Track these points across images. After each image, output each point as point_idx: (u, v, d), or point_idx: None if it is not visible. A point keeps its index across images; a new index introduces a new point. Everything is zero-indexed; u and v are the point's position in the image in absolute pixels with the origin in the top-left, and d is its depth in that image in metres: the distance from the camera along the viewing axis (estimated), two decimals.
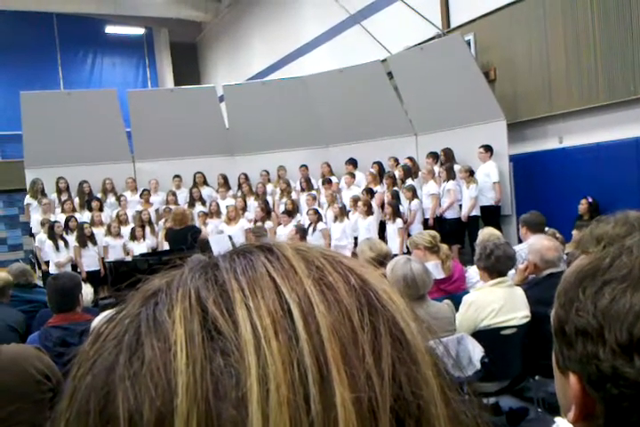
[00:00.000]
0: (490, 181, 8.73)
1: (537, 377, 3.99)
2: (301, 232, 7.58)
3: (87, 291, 4.33)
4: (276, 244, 0.40)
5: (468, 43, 9.48)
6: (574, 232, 6.11)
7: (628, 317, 0.57)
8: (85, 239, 9.25)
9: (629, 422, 0.57)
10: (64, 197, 10.14)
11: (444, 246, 4.79)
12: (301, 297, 0.35)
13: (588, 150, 8.28)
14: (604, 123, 8.03)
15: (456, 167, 9.03)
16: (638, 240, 0.61)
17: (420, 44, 10.29)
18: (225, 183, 10.69)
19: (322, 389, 0.32)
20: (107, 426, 0.32)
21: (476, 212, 8.79)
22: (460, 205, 8.92)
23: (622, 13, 7.58)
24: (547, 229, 5.28)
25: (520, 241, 5.55)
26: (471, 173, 8.75)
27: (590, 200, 7.80)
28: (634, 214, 0.67)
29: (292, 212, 9.60)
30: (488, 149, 8.76)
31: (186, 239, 7.67)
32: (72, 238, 9.26)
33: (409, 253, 5.27)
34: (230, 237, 7.68)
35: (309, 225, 9.17)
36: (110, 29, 18.48)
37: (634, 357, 0.56)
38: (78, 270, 8.87)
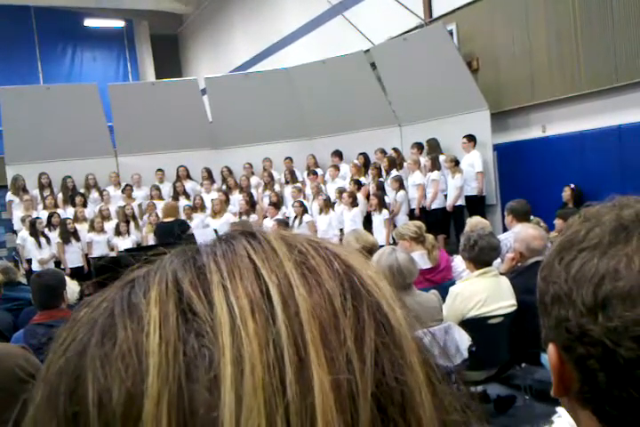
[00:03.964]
0: (474, 170, 8.76)
1: (523, 365, 4.03)
2: (284, 225, 7.57)
3: (73, 288, 4.29)
4: (259, 230, 0.39)
5: (451, 32, 9.49)
6: (557, 221, 6.16)
7: (593, 279, 0.60)
8: (69, 235, 9.17)
9: (598, 382, 0.59)
10: (46, 193, 10.04)
11: (430, 236, 4.81)
12: (281, 279, 0.34)
13: (571, 139, 8.33)
14: (586, 111, 8.08)
15: (441, 157, 9.06)
16: (614, 215, 0.64)
17: (402, 34, 10.27)
18: (209, 177, 10.64)
19: (299, 371, 0.31)
20: (76, 408, 0.31)
21: (461, 201, 8.83)
22: (446, 195, 8.96)
23: (603, 1, 7.61)
24: (531, 217, 5.31)
25: (505, 230, 5.58)
26: (456, 162, 8.79)
27: (573, 187, 7.86)
28: (621, 198, 0.70)
29: (277, 204, 9.58)
30: (471, 138, 8.79)
31: (173, 232, 7.62)
32: (55, 235, 9.18)
33: (395, 243, 5.28)
34: (216, 231, 7.65)
35: (295, 217, 9.16)
36: (90, 22, 18.20)
37: (598, 315, 0.59)
38: (62, 267, 8.80)
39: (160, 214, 9.41)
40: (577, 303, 0.60)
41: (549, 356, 0.65)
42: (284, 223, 8.13)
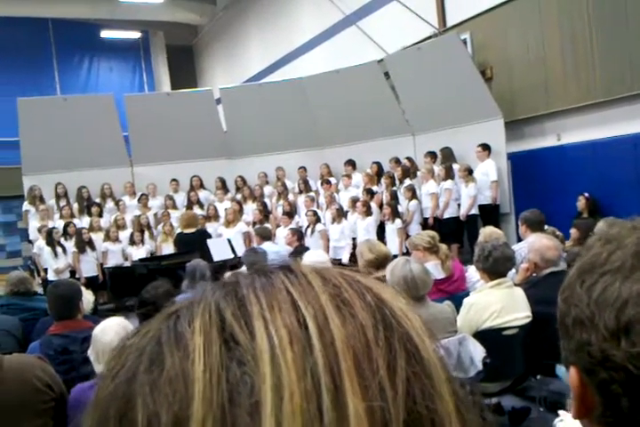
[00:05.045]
0: (488, 179, 8.72)
1: (538, 376, 3.99)
2: (298, 234, 7.56)
3: (88, 298, 4.32)
4: (295, 264, 0.42)
5: (465, 42, 9.48)
6: (572, 230, 6.12)
7: (615, 304, 0.60)
8: (84, 245, 9.23)
9: (621, 406, 0.59)
10: (62, 203, 10.14)
11: (444, 246, 4.78)
12: (317, 311, 0.36)
13: (586, 147, 8.28)
14: (601, 120, 8.02)
15: (455, 166, 9.03)
16: (636, 238, 0.64)
17: (416, 43, 10.28)
18: (223, 186, 10.68)
19: (335, 398, 0.32)
20: None
21: (475, 211, 8.79)
22: (459, 204, 8.92)
23: (618, 9, 7.58)
24: (546, 227, 5.28)
25: (519, 239, 5.54)
26: (470, 171, 8.75)
27: (587, 196, 7.80)
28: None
29: (291, 213, 9.60)
30: (486, 147, 8.76)
31: (196, 243, 7.59)
32: (70, 244, 9.25)
33: (408, 253, 5.26)
34: (229, 241, 7.67)
35: (308, 226, 9.17)
36: (106, 34, 18.43)
37: (621, 340, 0.58)
38: (77, 276, 8.85)
39: (175, 224, 9.45)
40: (599, 328, 0.60)
41: (570, 379, 0.65)
42: (298, 232, 8.13)
